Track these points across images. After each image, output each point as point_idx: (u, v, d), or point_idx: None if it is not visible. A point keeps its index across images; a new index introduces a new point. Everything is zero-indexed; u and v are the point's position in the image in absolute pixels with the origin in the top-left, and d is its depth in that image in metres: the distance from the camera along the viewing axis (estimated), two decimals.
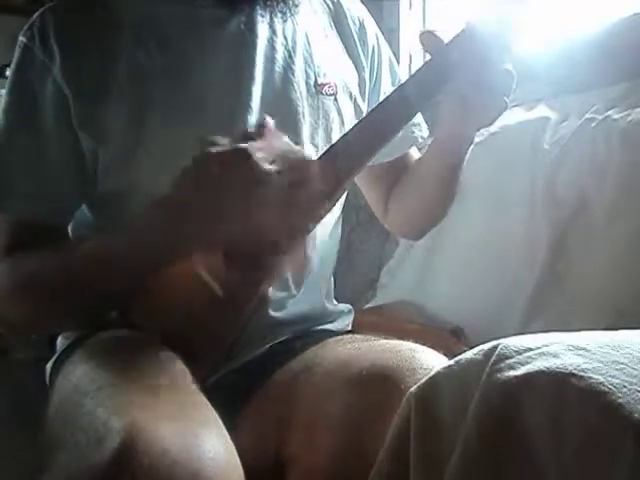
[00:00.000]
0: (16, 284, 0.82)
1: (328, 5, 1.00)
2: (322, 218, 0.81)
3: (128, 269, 0.76)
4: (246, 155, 0.67)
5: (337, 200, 0.90)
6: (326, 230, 0.96)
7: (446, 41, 0.76)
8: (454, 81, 0.77)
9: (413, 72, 0.80)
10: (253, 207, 0.68)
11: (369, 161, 0.81)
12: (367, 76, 1.00)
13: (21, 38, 0.86)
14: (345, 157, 0.77)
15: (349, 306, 1.04)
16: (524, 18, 0.78)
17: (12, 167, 0.85)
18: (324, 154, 0.79)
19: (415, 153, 1.06)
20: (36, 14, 0.87)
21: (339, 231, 1.03)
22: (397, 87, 0.82)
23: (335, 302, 1.02)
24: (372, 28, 1.03)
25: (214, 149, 0.68)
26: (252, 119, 0.87)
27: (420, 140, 1.04)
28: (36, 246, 0.83)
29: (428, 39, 0.76)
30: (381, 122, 0.79)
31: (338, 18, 0.99)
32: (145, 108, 0.84)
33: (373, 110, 0.81)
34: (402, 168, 1.03)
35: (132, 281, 0.77)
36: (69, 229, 0.91)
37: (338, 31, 0.99)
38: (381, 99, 1.01)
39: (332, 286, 1.03)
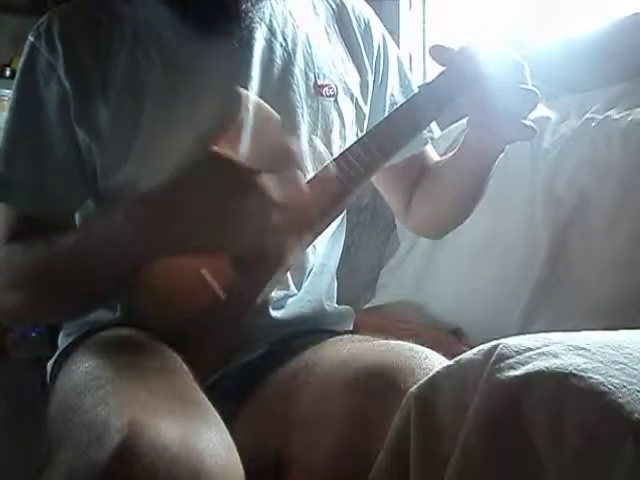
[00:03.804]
0: (8, 272, 0.84)
1: (332, 6, 1.00)
2: (329, 224, 0.81)
3: (107, 263, 0.76)
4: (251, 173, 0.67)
5: (344, 208, 0.90)
6: (329, 233, 0.96)
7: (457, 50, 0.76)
8: (467, 93, 0.77)
9: (426, 83, 0.80)
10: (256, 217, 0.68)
11: (377, 170, 0.81)
12: (371, 78, 0.99)
13: (29, 38, 0.88)
14: (354, 166, 0.77)
15: (350, 308, 1.03)
16: (532, 37, 0.78)
17: (17, 162, 0.87)
18: (330, 164, 0.79)
19: (432, 152, 1.06)
20: (44, 16, 0.89)
21: (342, 234, 1.02)
22: (407, 100, 0.82)
23: (336, 305, 1.02)
24: (378, 29, 1.02)
25: (218, 156, 0.68)
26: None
27: (430, 141, 1.04)
28: (34, 238, 0.84)
29: (439, 52, 0.77)
30: (391, 131, 0.79)
31: (342, 19, 0.99)
32: (141, 108, 0.85)
33: (384, 120, 0.81)
34: (419, 168, 1.03)
35: (113, 275, 0.77)
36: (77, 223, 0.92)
37: (341, 33, 0.98)
38: (387, 100, 1.01)
39: (334, 288, 1.03)
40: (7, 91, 2.90)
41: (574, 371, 0.51)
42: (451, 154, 0.96)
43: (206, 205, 0.69)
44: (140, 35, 0.88)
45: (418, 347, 0.78)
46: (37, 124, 0.86)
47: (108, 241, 0.75)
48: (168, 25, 0.88)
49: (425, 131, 1.01)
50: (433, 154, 1.06)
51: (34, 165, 0.86)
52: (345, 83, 0.96)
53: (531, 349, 0.56)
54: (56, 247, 0.79)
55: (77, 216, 0.94)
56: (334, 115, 0.94)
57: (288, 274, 0.90)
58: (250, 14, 0.87)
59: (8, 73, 2.88)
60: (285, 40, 0.92)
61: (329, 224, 0.81)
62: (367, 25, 1.00)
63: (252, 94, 0.73)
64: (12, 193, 0.88)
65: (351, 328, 1.02)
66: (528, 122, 0.77)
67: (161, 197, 0.72)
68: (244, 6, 0.87)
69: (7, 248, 0.86)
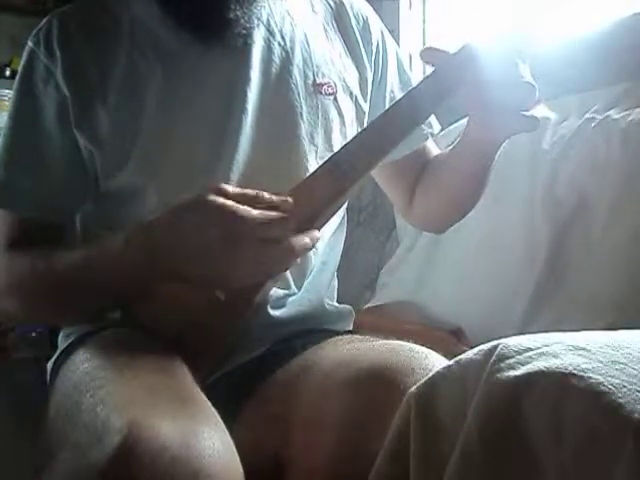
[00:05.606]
0: (11, 279, 0.85)
1: (330, 4, 1.00)
2: (327, 221, 0.81)
3: (107, 285, 0.80)
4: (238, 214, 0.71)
5: (342, 205, 0.90)
6: (329, 232, 0.96)
7: (451, 52, 0.76)
8: (465, 87, 0.77)
9: (420, 80, 0.80)
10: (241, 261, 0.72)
11: (375, 166, 0.81)
12: (370, 75, 0.99)
13: (29, 43, 0.89)
14: (350, 163, 0.77)
15: (350, 307, 1.03)
16: (532, 33, 0.77)
17: (16, 166, 0.88)
18: (327, 161, 0.79)
19: (433, 147, 1.06)
20: (44, 20, 0.90)
21: (343, 233, 1.02)
22: (405, 94, 0.82)
23: (336, 304, 1.02)
24: (376, 26, 1.02)
25: (214, 198, 0.72)
26: (247, 120, 0.87)
27: (430, 137, 1.04)
28: (35, 243, 0.86)
29: (430, 54, 0.77)
30: (388, 127, 0.79)
31: (340, 17, 0.99)
32: (140, 111, 0.86)
33: (381, 115, 0.81)
34: (421, 163, 1.03)
35: (113, 294, 0.81)
36: (77, 224, 0.93)
37: (340, 30, 0.98)
38: (387, 97, 1.01)
39: (335, 286, 1.03)
40: (7, 91, 2.90)
41: (574, 371, 0.51)
42: (452, 147, 0.96)
43: (202, 246, 0.72)
44: (139, 39, 0.88)
45: (418, 347, 0.78)
46: (36, 129, 0.86)
47: (107, 263, 0.78)
48: (167, 29, 0.88)
49: (425, 127, 1.01)
50: (434, 149, 1.06)
51: (34, 170, 0.87)
52: (344, 81, 0.95)
53: (531, 349, 0.56)
54: (58, 261, 0.81)
55: (77, 217, 0.94)
56: (334, 113, 0.94)
57: (288, 273, 0.90)
58: (242, 21, 0.87)
59: (8, 73, 2.88)
60: (283, 39, 0.92)
61: (327, 221, 0.81)
62: (365, 22, 1.00)
63: None
64: (12, 198, 0.88)
65: (351, 328, 1.02)
66: (529, 114, 0.77)
67: (160, 230, 0.75)
68: (232, 15, 0.86)
69: (7, 256, 0.86)
